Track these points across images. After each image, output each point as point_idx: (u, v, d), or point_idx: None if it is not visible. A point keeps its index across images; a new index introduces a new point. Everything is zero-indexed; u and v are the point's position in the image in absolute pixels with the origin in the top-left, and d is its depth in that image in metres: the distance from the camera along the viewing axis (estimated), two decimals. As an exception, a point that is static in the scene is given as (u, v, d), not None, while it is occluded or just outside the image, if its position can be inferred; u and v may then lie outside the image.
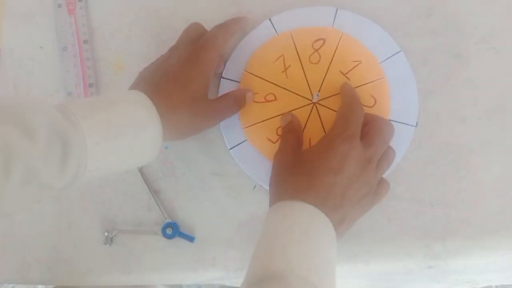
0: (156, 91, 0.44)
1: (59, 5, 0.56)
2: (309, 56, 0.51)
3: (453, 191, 0.49)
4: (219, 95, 0.52)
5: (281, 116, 0.50)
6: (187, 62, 0.46)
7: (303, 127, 0.50)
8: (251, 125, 0.51)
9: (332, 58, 0.50)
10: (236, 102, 0.49)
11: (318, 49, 0.51)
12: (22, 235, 0.54)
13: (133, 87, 0.46)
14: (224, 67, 0.52)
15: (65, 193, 0.54)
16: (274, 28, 0.52)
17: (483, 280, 0.61)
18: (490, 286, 0.67)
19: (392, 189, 0.48)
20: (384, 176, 0.47)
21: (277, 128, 0.50)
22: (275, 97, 0.50)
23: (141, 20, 0.55)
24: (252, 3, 0.54)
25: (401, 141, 0.49)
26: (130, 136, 0.40)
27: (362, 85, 0.50)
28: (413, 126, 0.50)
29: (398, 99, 0.50)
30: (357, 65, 0.50)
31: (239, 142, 0.51)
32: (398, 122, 0.50)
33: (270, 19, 0.52)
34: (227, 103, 0.49)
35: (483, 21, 0.51)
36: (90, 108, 0.39)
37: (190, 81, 0.45)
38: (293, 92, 0.50)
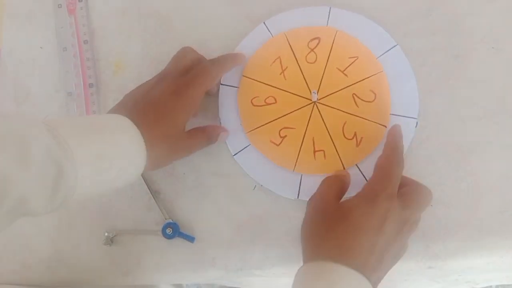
0: (142, 120, 0.43)
1: (59, 5, 0.56)
2: (306, 56, 0.51)
3: (453, 191, 0.49)
4: (219, 103, 0.52)
5: (282, 117, 0.50)
6: (173, 95, 0.45)
7: (305, 128, 0.50)
8: (254, 129, 0.51)
9: (328, 56, 0.51)
10: (207, 140, 0.49)
11: (314, 48, 0.51)
12: (22, 235, 0.54)
13: (119, 111, 0.44)
14: (218, 87, 0.52)
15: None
16: (269, 31, 0.52)
17: (483, 280, 0.61)
18: (490, 286, 0.67)
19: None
20: None
21: (280, 130, 0.50)
22: (275, 99, 0.51)
23: (141, 20, 0.55)
24: (252, 3, 0.54)
25: (404, 135, 0.49)
26: (116, 167, 0.40)
27: (361, 80, 0.50)
28: (415, 118, 0.50)
29: (398, 92, 0.50)
30: (354, 61, 0.50)
31: (242, 148, 0.51)
32: (400, 115, 0.50)
33: (264, 23, 0.53)
34: (199, 140, 0.49)
35: (483, 21, 0.51)
36: (82, 134, 0.39)
37: (173, 116, 0.45)
38: (292, 93, 0.51)
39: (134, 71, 0.53)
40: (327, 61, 0.51)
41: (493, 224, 0.49)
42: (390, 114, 0.50)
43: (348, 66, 0.50)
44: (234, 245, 0.51)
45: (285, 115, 0.50)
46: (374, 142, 0.50)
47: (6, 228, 0.37)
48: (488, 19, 0.51)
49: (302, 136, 0.50)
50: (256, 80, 0.51)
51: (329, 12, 0.52)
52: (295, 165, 0.50)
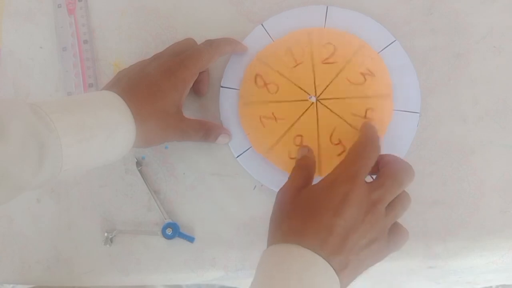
0: (131, 96, 0.44)
1: (59, 5, 0.56)
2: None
3: (453, 191, 0.49)
4: (220, 105, 0.52)
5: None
6: (165, 74, 0.46)
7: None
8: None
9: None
10: (204, 135, 0.49)
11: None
12: (22, 235, 0.54)
13: (109, 87, 0.46)
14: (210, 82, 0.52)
15: (62, 192, 0.54)
16: (267, 33, 0.52)
17: (483, 281, 0.61)
18: (490, 286, 0.67)
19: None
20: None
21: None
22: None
23: (141, 20, 0.55)
24: (252, 3, 0.54)
25: (407, 130, 0.50)
26: (102, 137, 0.41)
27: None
28: (417, 113, 0.50)
29: (400, 87, 0.50)
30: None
31: (245, 149, 0.51)
32: (403, 111, 0.50)
33: (262, 24, 0.52)
34: (195, 131, 0.49)
35: (484, 20, 0.51)
36: (64, 109, 0.40)
37: (164, 95, 0.46)
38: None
39: (134, 71, 0.53)
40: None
41: (494, 224, 0.49)
42: (394, 110, 0.50)
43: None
44: (234, 245, 0.51)
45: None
46: (384, 122, 0.49)
47: (5, 202, 0.38)
48: (489, 18, 0.51)
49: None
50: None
51: (326, 11, 0.52)
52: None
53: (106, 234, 0.52)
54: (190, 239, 0.51)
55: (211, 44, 0.49)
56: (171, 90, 0.46)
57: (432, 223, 0.49)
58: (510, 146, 0.50)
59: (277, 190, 0.49)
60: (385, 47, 0.51)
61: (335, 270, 0.37)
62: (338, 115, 0.50)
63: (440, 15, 0.52)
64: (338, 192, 0.39)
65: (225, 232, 0.51)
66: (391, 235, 0.41)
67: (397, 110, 0.50)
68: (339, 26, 0.52)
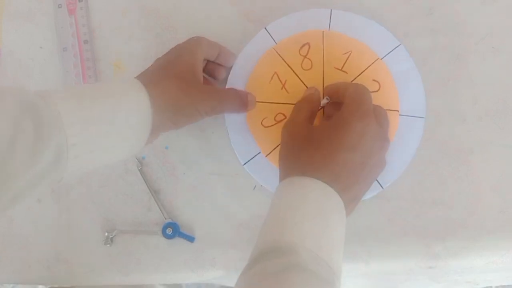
0: (143, 73, 0.44)
1: (59, 5, 0.56)
2: (301, 64, 0.50)
3: (453, 191, 0.49)
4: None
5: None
6: (173, 49, 0.47)
7: None
8: (272, 151, 0.50)
9: (323, 58, 0.50)
10: (240, 102, 0.48)
11: (306, 54, 0.50)
12: (22, 235, 0.54)
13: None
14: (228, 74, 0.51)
15: (62, 192, 0.54)
16: (271, 36, 0.52)
17: (483, 280, 0.61)
18: (490, 286, 0.67)
19: (392, 189, 0.48)
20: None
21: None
22: (284, 115, 0.50)
23: (141, 20, 0.55)
24: (252, 3, 0.54)
25: (413, 135, 0.49)
26: (107, 103, 0.38)
27: (361, 72, 0.50)
28: (423, 118, 0.50)
29: (405, 92, 0.50)
30: (349, 56, 0.50)
31: (252, 156, 0.50)
32: (408, 116, 0.50)
33: (265, 28, 0.52)
34: (231, 97, 0.48)
35: (483, 20, 0.51)
36: (63, 89, 0.39)
37: (175, 60, 0.45)
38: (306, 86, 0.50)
39: (134, 71, 0.53)
40: (323, 63, 0.50)
41: (494, 224, 0.49)
42: (399, 115, 0.49)
43: (345, 62, 0.50)
44: (234, 245, 0.51)
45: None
46: (391, 130, 0.49)
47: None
48: (489, 19, 0.51)
49: None
50: (260, 102, 0.50)
51: (331, 15, 0.51)
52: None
53: (106, 234, 0.52)
54: (190, 239, 0.51)
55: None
56: (185, 55, 0.45)
57: (432, 223, 0.49)
58: (510, 146, 0.50)
59: None
60: (390, 52, 0.51)
61: (344, 204, 0.40)
62: None
63: (440, 16, 0.52)
64: (355, 128, 0.41)
65: (225, 232, 0.51)
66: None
67: (402, 115, 0.50)
68: (343, 29, 0.51)
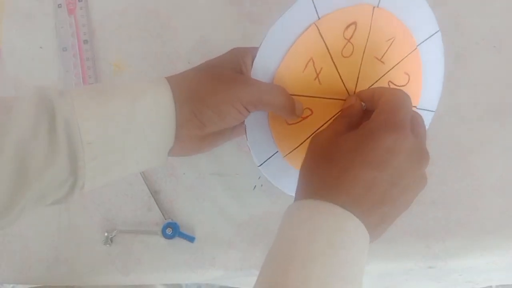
0: (170, 79, 0.38)
1: (59, 5, 0.56)
2: (342, 50, 0.41)
3: (453, 191, 0.49)
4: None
5: (321, 128, 0.43)
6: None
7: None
8: (292, 151, 0.44)
9: (365, 45, 0.42)
10: (290, 107, 0.39)
11: (350, 38, 0.41)
12: (22, 235, 0.53)
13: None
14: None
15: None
16: (315, 8, 0.39)
17: (483, 280, 0.61)
18: (490, 286, 0.67)
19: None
20: None
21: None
22: (311, 110, 0.42)
23: (141, 20, 0.55)
24: (252, 3, 0.54)
25: None
26: (125, 101, 0.34)
27: (397, 64, 0.43)
28: (433, 111, 0.46)
29: (426, 84, 0.45)
30: (391, 43, 0.42)
31: (269, 156, 0.43)
32: (421, 109, 0.46)
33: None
34: (273, 88, 0.39)
35: (483, 20, 0.51)
36: (80, 88, 0.36)
37: (214, 59, 0.40)
38: (330, 98, 0.42)
39: (134, 71, 0.53)
40: (364, 50, 0.42)
41: (494, 224, 0.49)
42: (416, 107, 0.44)
43: (386, 51, 0.42)
44: (234, 245, 0.51)
45: (323, 125, 0.43)
46: None
47: (23, 216, 0.34)
48: (489, 19, 0.51)
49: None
50: (291, 95, 0.41)
51: None
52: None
53: (106, 234, 0.52)
54: (190, 239, 0.51)
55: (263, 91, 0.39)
56: (228, 55, 0.40)
57: (432, 223, 0.49)
58: (509, 146, 0.50)
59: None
60: (428, 38, 0.44)
61: (368, 229, 0.33)
62: None
63: (440, 16, 0.52)
64: (383, 142, 0.34)
65: (225, 232, 0.51)
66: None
67: (420, 109, 0.45)
68: (393, 6, 0.42)
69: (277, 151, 0.44)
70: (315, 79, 0.41)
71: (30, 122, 0.32)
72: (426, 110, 0.47)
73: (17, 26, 0.56)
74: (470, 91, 0.51)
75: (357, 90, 0.42)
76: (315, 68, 0.41)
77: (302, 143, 0.43)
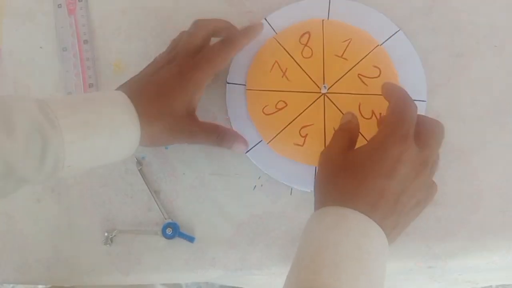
0: (139, 97, 0.44)
1: (59, 5, 0.56)
2: (301, 52, 0.51)
3: (453, 191, 0.49)
4: (227, 102, 0.52)
5: (298, 117, 0.50)
6: (177, 77, 0.45)
7: (323, 121, 0.50)
8: (274, 138, 0.50)
9: (323, 46, 0.51)
10: (216, 139, 0.48)
11: (307, 43, 0.51)
12: (22, 235, 0.54)
13: (119, 88, 0.46)
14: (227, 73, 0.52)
15: (62, 192, 0.54)
16: (271, 27, 0.52)
17: (483, 280, 0.61)
18: (490, 286, 0.67)
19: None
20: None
21: (300, 130, 0.50)
22: (285, 103, 0.50)
23: (141, 20, 0.55)
24: (252, 3, 0.54)
25: None
26: (105, 135, 0.41)
27: (362, 59, 0.50)
28: (424, 101, 0.50)
29: (406, 76, 0.50)
30: (348, 43, 0.51)
31: (254, 144, 0.51)
32: (414, 100, 0.48)
33: (265, 19, 0.53)
34: (206, 134, 0.48)
35: (485, 19, 0.51)
36: (70, 107, 0.41)
37: (173, 98, 0.45)
38: (300, 91, 0.50)
39: (134, 71, 0.53)
40: (323, 51, 0.51)
41: (494, 224, 0.49)
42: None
43: (345, 49, 0.50)
44: (234, 245, 0.51)
45: (299, 115, 0.50)
46: None
47: (5, 196, 0.39)
48: (490, 18, 0.51)
49: (323, 130, 0.50)
50: (261, 90, 0.51)
51: (329, 4, 0.52)
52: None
53: (106, 234, 0.52)
54: (190, 239, 0.51)
55: (225, 42, 0.47)
56: (181, 92, 0.45)
57: (432, 223, 0.49)
58: (509, 146, 0.50)
59: (287, 183, 0.50)
60: (389, 37, 0.51)
61: (385, 233, 0.38)
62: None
63: (440, 15, 0.52)
64: (391, 154, 0.39)
65: (225, 232, 0.51)
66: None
67: None
68: (343, 17, 0.52)
69: (261, 140, 0.51)
70: (282, 76, 0.51)
71: (25, 143, 0.38)
72: (417, 100, 0.49)
73: (17, 26, 0.56)
74: (471, 90, 0.51)
75: (326, 82, 0.50)
76: (280, 68, 0.51)
77: (281, 131, 0.50)
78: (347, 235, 0.36)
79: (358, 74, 0.50)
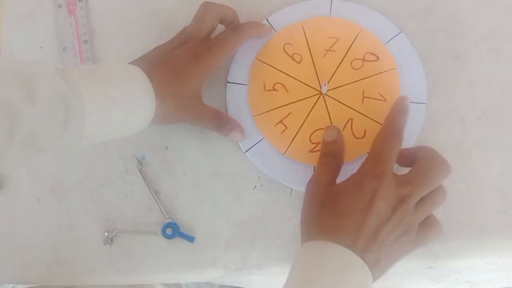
0: (154, 74, 0.45)
1: (59, 5, 0.56)
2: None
3: (452, 192, 0.49)
4: (227, 101, 0.52)
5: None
6: (191, 60, 0.47)
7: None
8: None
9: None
10: (218, 126, 0.49)
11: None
12: (22, 235, 0.54)
13: (134, 62, 0.47)
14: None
15: (62, 192, 0.53)
16: (272, 27, 0.53)
17: (483, 280, 0.61)
18: (490, 286, 0.67)
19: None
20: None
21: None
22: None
23: (141, 20, 0.55)
24: (252, 3, 0.54)
25: (414, 121, 0.49)
26: (123, 109, 0.42)
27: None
28: (424, 104, 0.50)
29: (406, 79, 0.50)
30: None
31: (254, 143, 0.51)
32: (415, 103, 0.50)
33: (267, 19, 0.53)
34: (210, 119, 0.49)
35: (483, 21, 0.51)
36: (90, 77, 0.41)
37: (186, 78, 0.46)
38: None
39: (134, 71, 0.53)
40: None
41: (493, 224, 0.49)
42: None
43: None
44: (234, 245, 0.51)
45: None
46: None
47: (24, 164, 0.40)
48: (488, 20, 0.51)
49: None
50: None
51: (331, 5, 0.52)
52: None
53: (106, 234, 0.52)
54: (190, 239, 0.51)
55: (235, 30, 0.49)
56: (194, 74, 0.47)
57: (432, 223, 0.49)
58: (508, 146, 0.50)
59: (286, 184, 0.50)
60: (391, 39, 0.51)
61: (368, 266, 0.39)
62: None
63: (439, 17, 0.52)
64: (367, 190, 0.41)
65: (225, 232, 0.51)
66: (421, 229, 0.43)
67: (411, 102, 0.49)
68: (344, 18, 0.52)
69: (261, 139, 0.51)
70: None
71: (48, 110, 0.37)
72: (417, 103, 0.50)
73: (17, 26, 0.56)
74: (470, 91, 0.51)
75: (324, 80, 0.51)
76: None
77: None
78: (327, 266, 0.39)
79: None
